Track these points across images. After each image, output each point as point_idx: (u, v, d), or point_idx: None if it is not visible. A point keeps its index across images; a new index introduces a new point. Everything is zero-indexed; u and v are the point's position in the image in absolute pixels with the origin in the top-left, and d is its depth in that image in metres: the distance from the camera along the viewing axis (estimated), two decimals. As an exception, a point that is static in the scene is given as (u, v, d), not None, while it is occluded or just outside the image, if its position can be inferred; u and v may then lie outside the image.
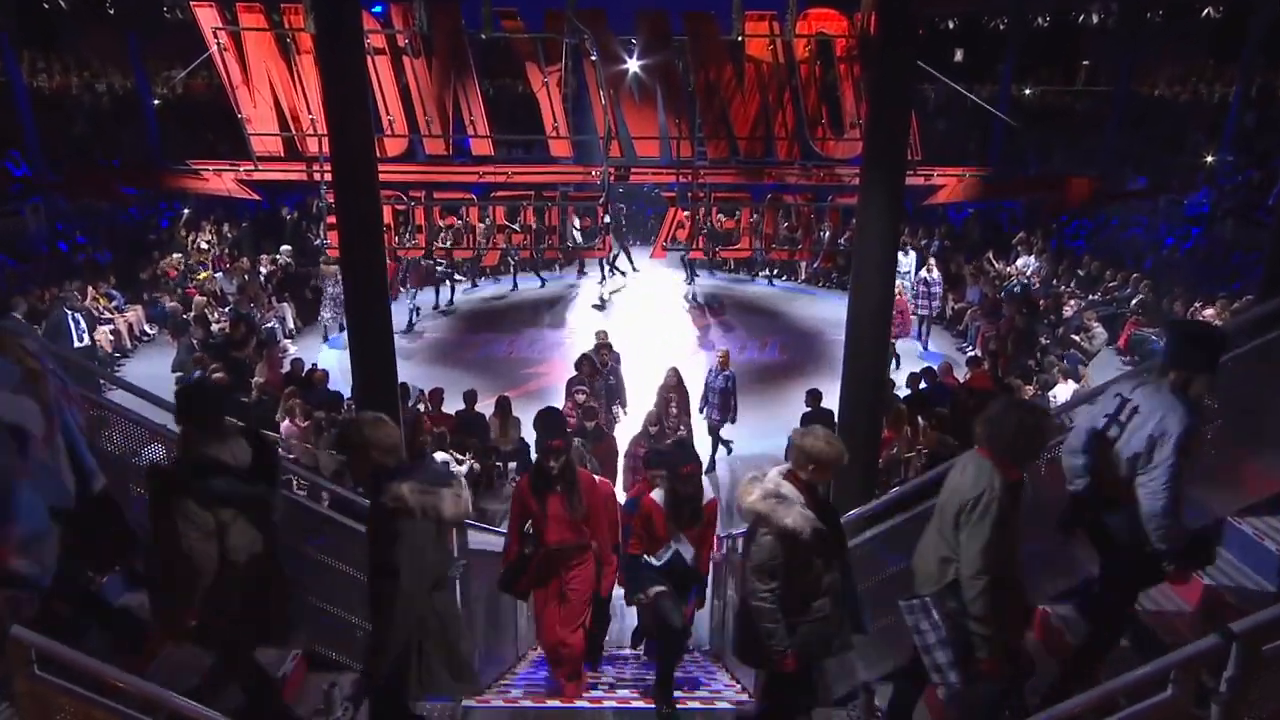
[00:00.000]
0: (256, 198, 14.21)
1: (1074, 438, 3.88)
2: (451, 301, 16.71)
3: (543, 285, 18.27)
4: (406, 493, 3.36)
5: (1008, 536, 3.34)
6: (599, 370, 10.25)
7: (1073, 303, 14.74)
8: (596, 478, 5.07)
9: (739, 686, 5.67)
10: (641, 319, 15.86)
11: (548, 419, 4.76)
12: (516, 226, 14.96)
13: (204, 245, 17.46)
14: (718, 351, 11.04)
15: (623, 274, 18.37)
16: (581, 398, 9.43)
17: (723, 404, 10.47)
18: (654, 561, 4.70)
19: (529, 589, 5.10)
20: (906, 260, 14.86)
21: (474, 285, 18.16)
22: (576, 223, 14.63)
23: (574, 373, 10.31)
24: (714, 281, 19.03)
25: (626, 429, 10.17)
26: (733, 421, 10.65)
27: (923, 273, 14.53)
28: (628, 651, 6.60)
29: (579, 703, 4.93)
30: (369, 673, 3.59)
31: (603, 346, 10.63)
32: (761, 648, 3.68)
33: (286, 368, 11.84)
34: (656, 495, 4.72)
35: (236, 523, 3.47)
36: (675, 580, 4.72)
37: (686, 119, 13.00)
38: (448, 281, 16.59)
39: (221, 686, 3.78)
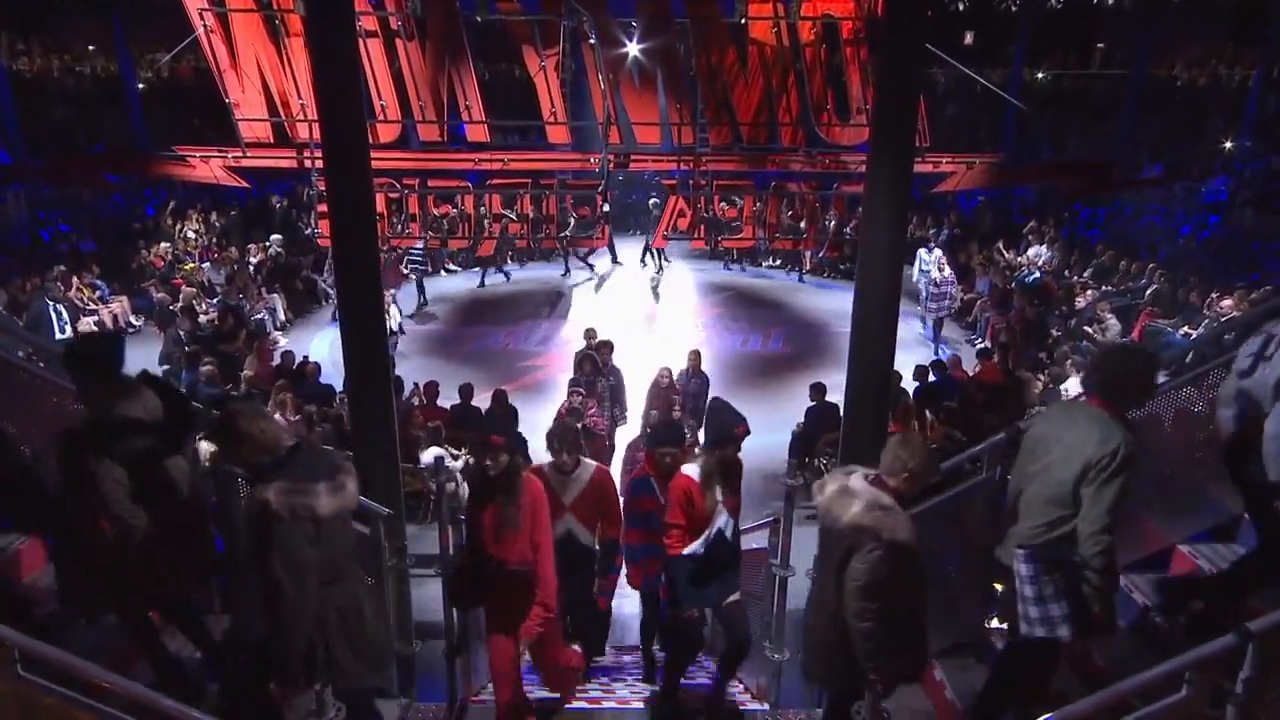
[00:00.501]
0: (245, 185, 14.19)
1: (1224, 388, 3.88)
2: (424, 303, 16.38)
3: (566, 274, 18.49)
4: (272, 496, 3.26)
5: (1130, 489, 3.35)
6: (601, 370, 10.03)
7: (1086, 293, 14.73)
8: (593, 463, 4.96)
9: (741, 687, 5.70)
10: (637, 311, 15.86)
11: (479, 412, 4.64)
12: (513, 215, 14.94)
13: (191, 234, 17.48)
14: (689, 354, 10.56)
15: (589, 268, 18.58)
16: (578, 400, 9.20)
17: (694, 410, 9.65)
18: (698, 550, 4.44)
19: (475, 604, 4.74)
20: (930, 258, 14.77)
21: (507, 277, 18.26)
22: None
23: (574, 370, 10.13)
24: (726, 274, 19.07)
25: (622, 433, 9.99)
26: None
27: (932, 273, 14.34)
28: (626, 659, 6.62)
29: (577, 703, 4.95)
30: (277, 678, 3.56)
31: (602, 345, 10.43)
32: (855, 671, 3.54)
33: (277, 360, 11.85)
34: (690, 470, 4.51)
35: (159, 477, 3.44)
36: (719, 564, 4.50)
37: (688, 104, 12.97)
38: (420, 280, 16.30)
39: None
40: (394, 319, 13.43)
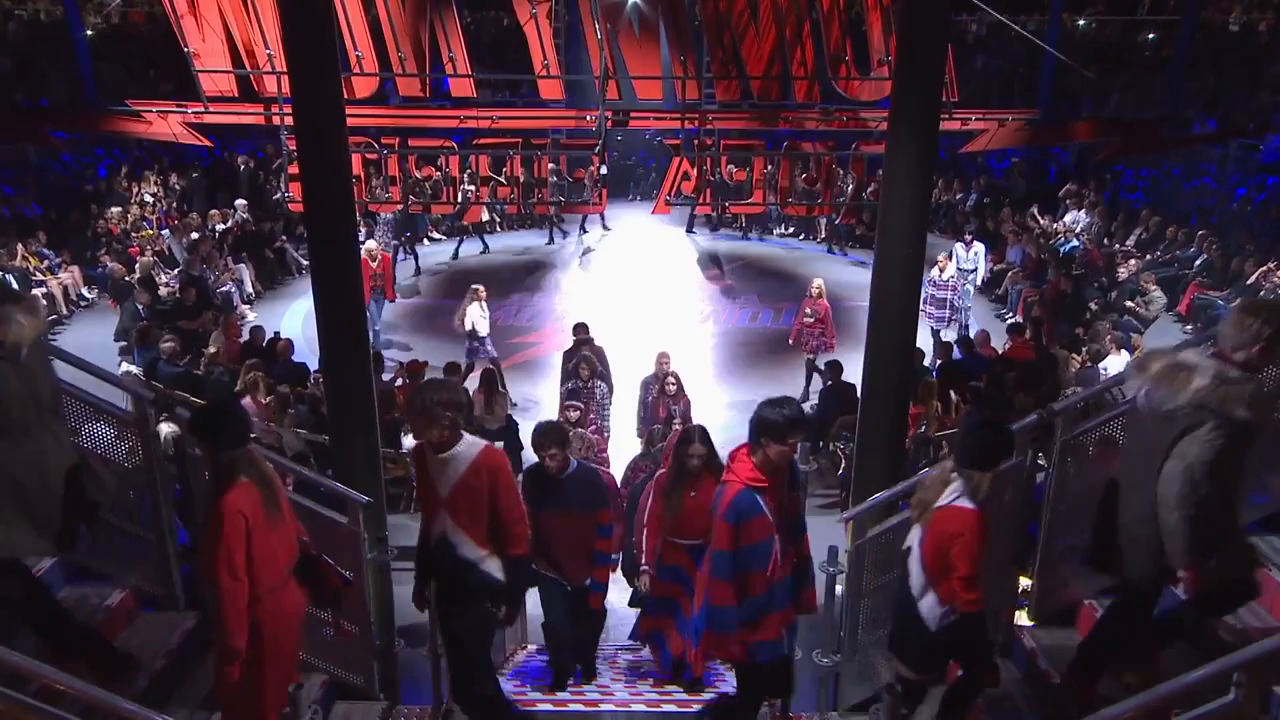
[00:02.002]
0: (207, 144, 14.15)
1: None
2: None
3: (551, 243, 18.68)
4: None
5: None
6: (597, 374, 9.44)
7: (1129, 263, 14.74)
8: (480, 441, 4.31)
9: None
10: (634, 285, 15.85)
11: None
12: (502, 178, 14.91)
13: (148, 198, 17.43)
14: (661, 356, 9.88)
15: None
16: (575, 414, 8.67)
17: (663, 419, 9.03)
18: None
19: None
20: (970, 256, 13.91)
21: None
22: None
23: (563, 377, 9.60)
24: (733, 243, 19.09)
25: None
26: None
27: (934, 270, 12.80)
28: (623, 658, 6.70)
29: (573, 706, 5.02)
30: None
31: (590, 342, 9.92)
32: (1160, 568, 3.49)
33: (245, 337, 11.88)
34: (745, 471, 3.82)
35: (39, 426, 3.52)
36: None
37: (693, 56, 12.89)
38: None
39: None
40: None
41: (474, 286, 11.83)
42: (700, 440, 5.01)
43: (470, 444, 4.10)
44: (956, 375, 10.45)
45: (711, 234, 19.58)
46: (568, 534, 5.15)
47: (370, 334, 11.62)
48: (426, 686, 5.09)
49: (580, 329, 10.58)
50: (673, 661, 5.43)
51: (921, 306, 13.08)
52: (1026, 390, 9.56)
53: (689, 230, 19.65)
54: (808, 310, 11.63)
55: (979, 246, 14.23)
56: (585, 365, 9.29)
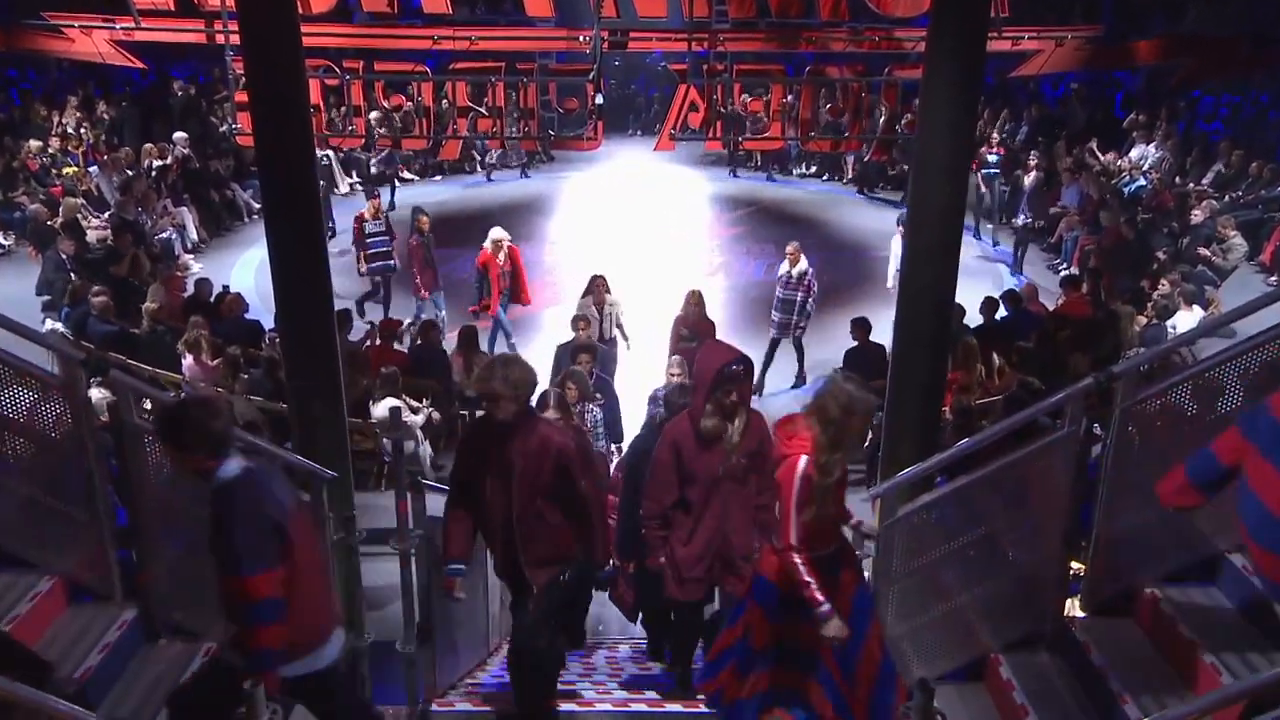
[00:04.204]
0: (140, 66, 14.05)
1: None
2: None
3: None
4: None
5: None
6: (588, 396, 7.97)
7: (1203, 205, 14.67)
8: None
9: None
10: (633, 230, 15.83)
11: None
12: (482, 109, 14.83)
13: (71, 130, 17.32)
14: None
15: None
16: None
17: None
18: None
19: None
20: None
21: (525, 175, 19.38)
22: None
23: (554, 375, 8.28)
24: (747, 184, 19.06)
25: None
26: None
27: (783, 265, 11.40)
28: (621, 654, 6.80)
29: (567, 704, 5.11)
30: None
31: (580, 351, 8.61)
32: None
33: (189, 290, 11.88)
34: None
35: None
36: None
37: (702, -35, 12.78)
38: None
39: None
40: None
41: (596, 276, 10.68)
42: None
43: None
44: (1001, 334, 10.48)
45: (731, 177, 19.59)
46: None
47: (508, 345, 11.56)
48: (399, 685, 5.17)
49: (581, 323, 9.68)
50: None
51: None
52: (1082, 351, 9.59)
53: (733, 174, 19.64)
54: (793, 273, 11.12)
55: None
56: (574, 383, 7.42)
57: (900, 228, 12.08)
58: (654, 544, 4.95)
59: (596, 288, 10.44)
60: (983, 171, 15.95)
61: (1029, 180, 15.94)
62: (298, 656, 3.71)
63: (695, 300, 10.31)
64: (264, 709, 3.92)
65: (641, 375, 9.78)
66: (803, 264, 11.25)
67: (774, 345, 11.44)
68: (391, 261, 12.77)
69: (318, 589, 3.84)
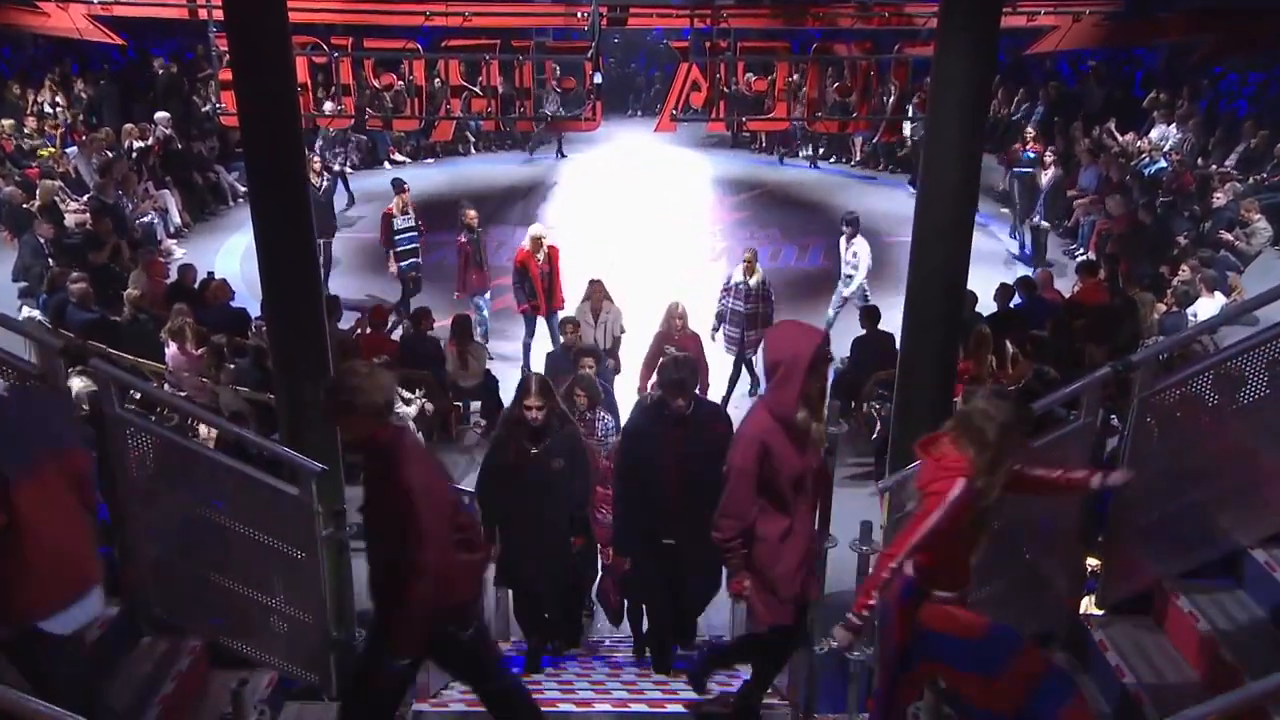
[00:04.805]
0: (119, 42, 14.03)
1: None
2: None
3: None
4: None
5: None
6: (601, 402, 7.53)
7: (1226, 187, 14.64)
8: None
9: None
10: (631, 214, 15.79)
11: None
12: (476, 88, 14.79)
13: (48, 109, 17.30)
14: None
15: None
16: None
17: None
18: None
19: None
20: (849, 257, 11.95)
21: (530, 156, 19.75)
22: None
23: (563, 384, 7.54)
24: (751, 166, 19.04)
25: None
26: None
27: (736, 271, 10.85)
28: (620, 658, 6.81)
29: (564, 705, 5.13)
30: None
31: (583, 355, 8.35)
32: None
33: (172, 276, 11.87)
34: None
35: None
36: None
37: (705, -63, 12.76)
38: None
39: None
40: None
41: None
42: None
43: None
44: (1015, 322, 10.46)
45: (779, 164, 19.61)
46: None
47: (480, 336, 11.33)
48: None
49: (569, 325, 9.49)
50: None
51: (717, 323, 10.87)
52: (1099, 340, 9.58)
53: (780, 161, 19.71)
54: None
55: (861, 245, 11.94)
56: (582, 389, 7.06)
57: (846, 228, 12.01)
58: (735, 567, 4.47)
59: (594, 293, 10.22)
60: (1015, 169, 15.56)
61: (1046, 177, 15.48)
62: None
63: (678, 314, 9.48)
64: (251, 708, 3.95)
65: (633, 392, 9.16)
66: (759, 274, 10.65)
67: (744, 364, 10.70)
68: (420, 260, 12.59)
69: (52, 547, 3.69)
